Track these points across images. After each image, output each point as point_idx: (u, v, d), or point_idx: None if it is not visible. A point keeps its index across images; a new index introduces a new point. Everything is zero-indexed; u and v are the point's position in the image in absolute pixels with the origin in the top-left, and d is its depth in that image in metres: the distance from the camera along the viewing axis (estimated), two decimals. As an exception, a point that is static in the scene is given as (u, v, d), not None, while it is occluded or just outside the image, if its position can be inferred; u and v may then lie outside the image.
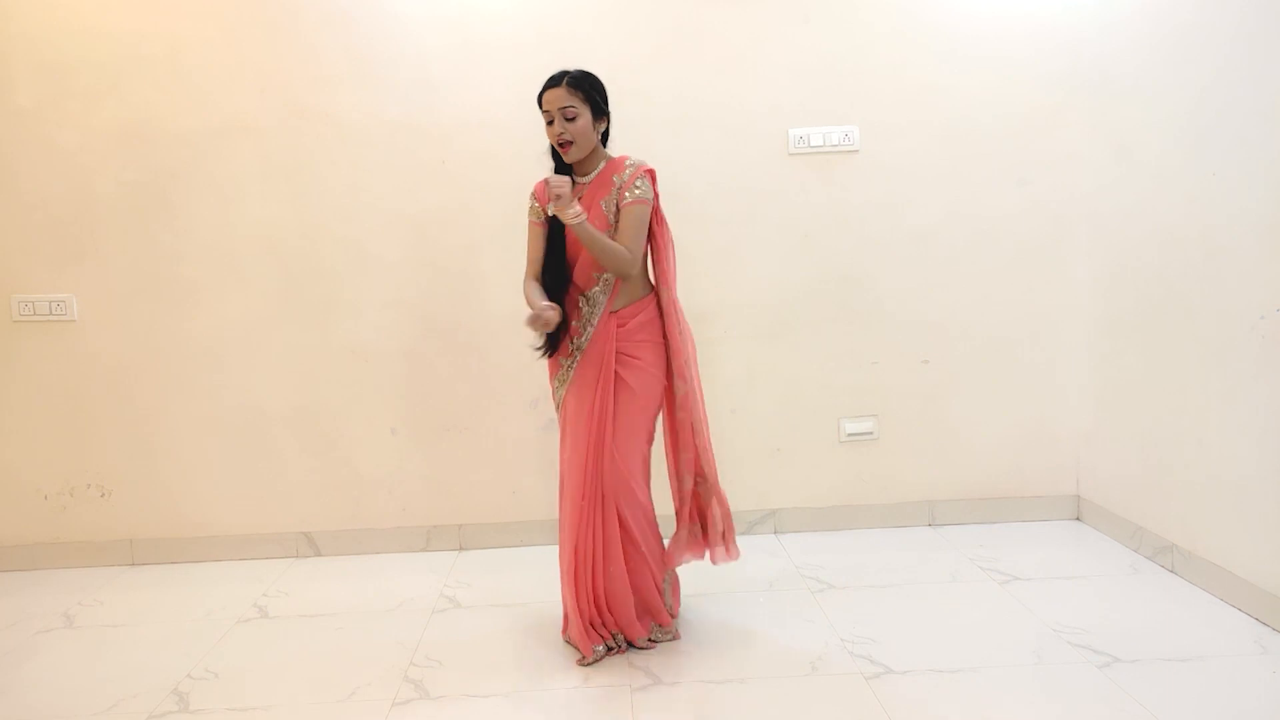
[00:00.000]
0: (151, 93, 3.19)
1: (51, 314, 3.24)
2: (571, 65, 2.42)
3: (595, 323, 2.42)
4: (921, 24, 3.28)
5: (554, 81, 2.35)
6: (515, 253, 3.28)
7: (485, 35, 3.22)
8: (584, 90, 2.34)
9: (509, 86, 3.21)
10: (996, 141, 3.32)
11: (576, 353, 2.44)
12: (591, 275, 2.42)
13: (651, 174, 2.42)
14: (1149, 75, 2.97)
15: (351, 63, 3.22)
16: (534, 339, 2.45)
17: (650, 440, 2.53)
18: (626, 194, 2.38)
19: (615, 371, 2.40)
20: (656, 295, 2.50)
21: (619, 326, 2.42)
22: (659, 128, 3.21)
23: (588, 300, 2.43)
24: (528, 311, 2.31)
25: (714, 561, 2.59)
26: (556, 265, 2.45)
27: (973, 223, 3.36)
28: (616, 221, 2.38)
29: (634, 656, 2.47)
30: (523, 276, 2.50)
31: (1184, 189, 2.81)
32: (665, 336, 2.49)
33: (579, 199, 2.37)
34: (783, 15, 3.26)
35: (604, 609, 2.46)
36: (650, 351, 2.46)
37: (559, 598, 2.82)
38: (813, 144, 3.30)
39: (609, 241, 2.32)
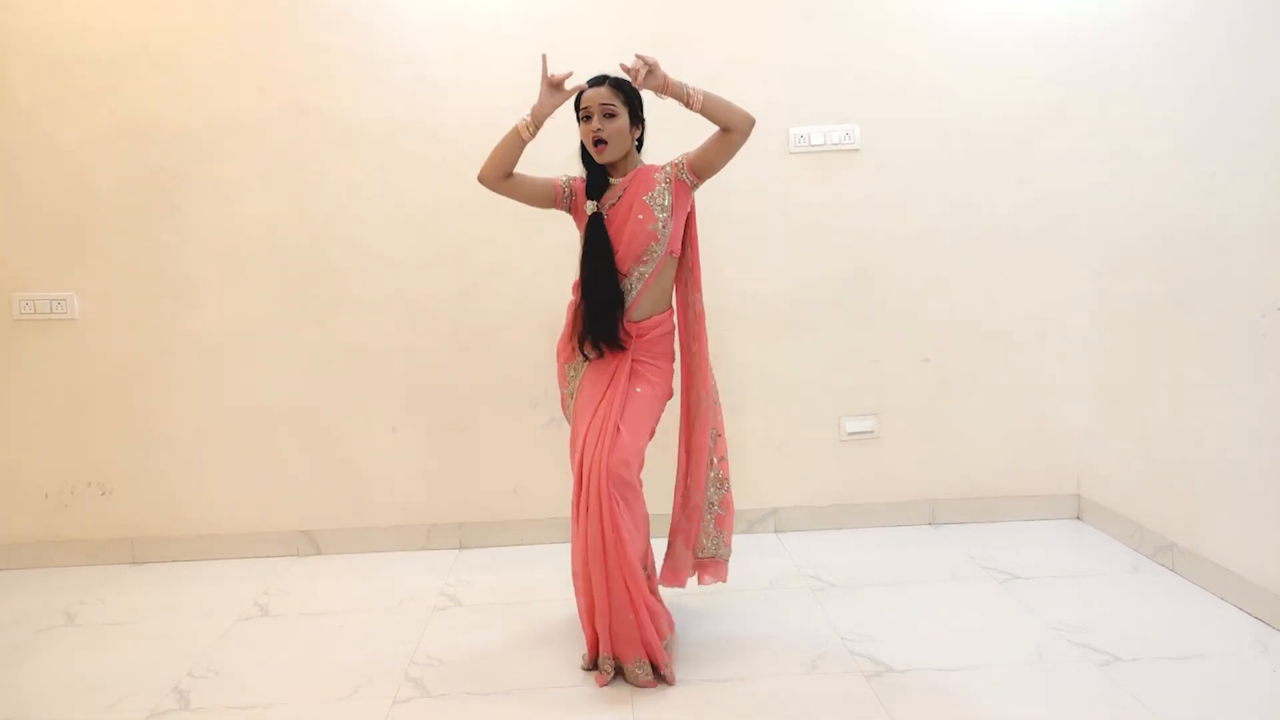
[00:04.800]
0: (152, 91, 3.19)
1: (53, 312, 3.25)
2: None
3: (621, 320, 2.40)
4: (922, 23, 3.28)
5: (597, 82, 2.37)
6: (517, 251, 3.31)
7: (485, 35, 3.22)
8: (625, 93, 2.36)
9: (509, 86, 3.18)
10: (997, 140, 3.32)
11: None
12: (630, 268, 2.39)
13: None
14: (1149, 74, 2.97)
15: (351, 62, 3.22)
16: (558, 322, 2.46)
17: (643, 453, 2.45)
18: (679, 163, 2.39)
19: (630, 379, 2.39)
20: (675, 311, 2.52)
21: (638, 336, 2.41)
22: (659, 127, 3.20)
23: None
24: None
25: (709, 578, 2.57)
26: (609, 273, 2.38)
27: (973, 221, 3.36)
28: (674, 207, 2.38)
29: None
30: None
31: (1184, 187, 2.81)
32: (688, 348, 2.51)
33: (617, 201, 2.38)
34: (784, 14, 3.25)
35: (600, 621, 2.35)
36: (662, 367, 2.46)
37: (560, 596, 2.83)
38: (814, 143, 3.30)
39: (726, 102, 2.33)
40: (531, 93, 2.36)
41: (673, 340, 2.52)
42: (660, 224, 2.36)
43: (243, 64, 3.20)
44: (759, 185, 3.31)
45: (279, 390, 3.32)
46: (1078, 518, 3.47)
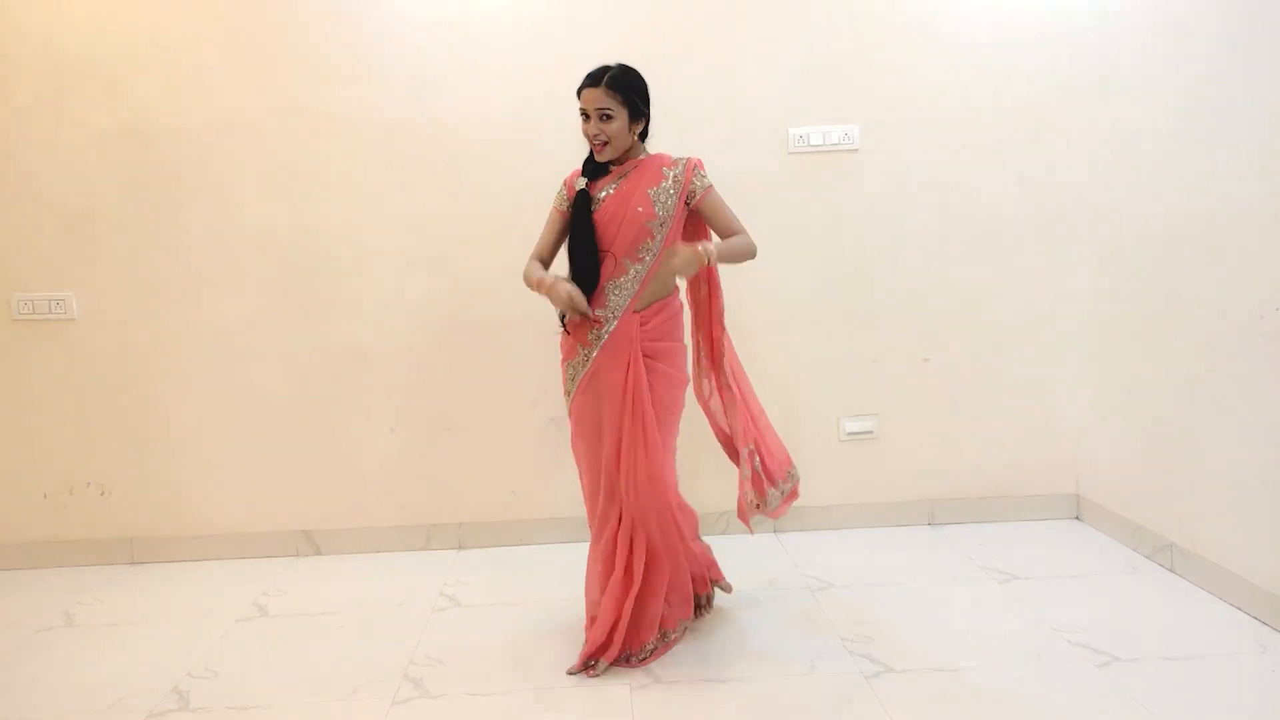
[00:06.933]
0: (152, 91, 3.19)
1: (51, 312, 3.24)
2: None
3: (620, 315, 2.35)
4: (921, 22, 3.27)
5: (593, 80, 2.28)
6: (516, 251, 3.27)
7: (485, 34, 3.21)
8: (622, 92, 2.28)
9: (508, 85, 3.21)
10: (996, 139, 3.32)
11: (596, 344, 2.37)
12: (624, 263, 2.34)
13: (701, 164, 2.42)
14: (1149, 72, 2.97)
15: (352, 61, 3.22)
16: (554, 321, 2.47)
17: (673, 448, 2.50)
18: (694, 187, 2.37)
19: (643, 374, 2.35)
20: (679, 296, 2.52)
21: (641, 325, 2.37)
22: (659, 127, 3.20)
23: (616, 288, 2.36)
24: (553, 285, 2.28)
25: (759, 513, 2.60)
26: (588, 251, 2.35)
27: (972, 221, 3.36)
28: (690, 214, 2.42)
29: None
30: (527, 259, 2.47)
31: (1184, 186, 2.81)
32: (698, 328, 2.55)
33: (615, 188, 2.35)
34: (783, 14, 3.25)
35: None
36: (672, 353, 2.45)
37: (559, 596, 2.83)
38: (813, 143, 3.30)
39: (732, 243, 2.37)
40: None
41: (680, 322, 2.49)
42: (658, 221, 2.33)
43: (243, 63, 3.20)
44: (758, 186, 3.31)
45: (279, 390, 3.32)
46: (1077, 518, 3.47)
